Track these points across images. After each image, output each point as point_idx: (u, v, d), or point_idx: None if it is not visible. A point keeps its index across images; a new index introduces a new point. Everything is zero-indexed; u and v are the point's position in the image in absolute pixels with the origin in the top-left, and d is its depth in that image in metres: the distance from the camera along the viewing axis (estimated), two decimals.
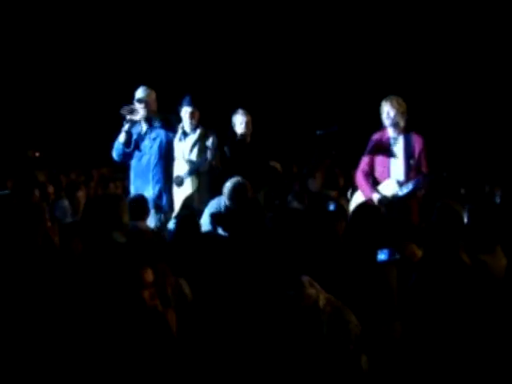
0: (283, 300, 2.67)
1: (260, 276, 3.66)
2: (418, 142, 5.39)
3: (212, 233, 4.81)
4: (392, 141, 5.45)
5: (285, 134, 10.99)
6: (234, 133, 6.17)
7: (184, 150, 6.11)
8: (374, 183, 5.46)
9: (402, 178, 5.35)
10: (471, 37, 10.54)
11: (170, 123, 5.73)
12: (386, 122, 5.42)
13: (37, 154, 11.40)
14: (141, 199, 5.10)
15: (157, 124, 5.62)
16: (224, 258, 4.18)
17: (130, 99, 5.74)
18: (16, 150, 10.86)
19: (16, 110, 11.51)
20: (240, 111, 6.19)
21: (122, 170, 7.03)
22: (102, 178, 8.76)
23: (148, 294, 3.01)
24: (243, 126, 6.14)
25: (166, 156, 5.73)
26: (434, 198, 5.39)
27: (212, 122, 6.32)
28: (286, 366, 2.56)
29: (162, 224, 5.44)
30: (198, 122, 6.18)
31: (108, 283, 3.12)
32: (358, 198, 5.55)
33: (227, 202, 5.05)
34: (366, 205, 4.78)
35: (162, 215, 5.57)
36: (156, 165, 5.66)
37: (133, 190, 5.70)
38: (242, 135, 6.15)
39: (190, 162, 6.06)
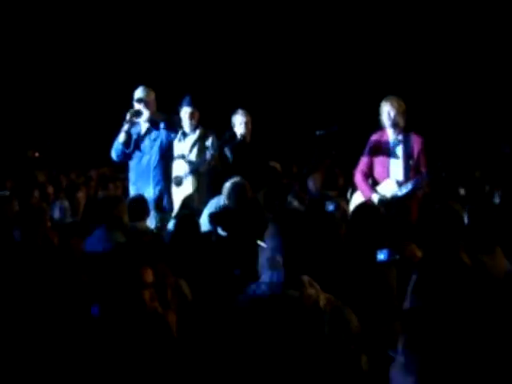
0: (283, 300, 2.67)
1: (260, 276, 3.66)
2: (417, 143, 5.39)
3: (212, 233, 4.81)
4: (391, 141, 5.44)
5: (285, 134, 11.00)
6: (234, 133, 6.17)
7: (183, 151, 6.11)
8: (373, 183, 5.46)
9: (401, 178, 5.34)
10: (471, 37, 10.55)
11: (174, 124, 5.73)
12: (386, 122, 5.41)
13: (37, 155, 11.40)
14: (140, 200, 5.10)
15: (161, 125, 5.62)
16: (224, 258, 4.18)
17: (129, 99, 5.74)
18: (16, 150, 10.86)
19: (16, 110, 11.52)
20: (240, 111, 6.18)
21: (122, 170, 7.03)
22: (102, 179, 8.76)
23: (148, 295, 3.01)
24: (243, 126, 6.13)
25: (167, 157, 5.73)
26: (433, 198, 5.40)
27: (212, 122, 6.32)
28: (286, 366, 2.56)
29: (162, 224, 5.44)
30: (198, 122, 6.19)
31: (108, 283, 3.12)
32: (357, 199, 5.55)
33: (227, 202, 5.06)
34: (366, 205, 4.77)
35: (162, 215, 5.58)
36: (156, 166, 5.66)
37: (133, 191, 5.70)
38: (242, 135, 6.15)
39: (190, 162, 6.06)
